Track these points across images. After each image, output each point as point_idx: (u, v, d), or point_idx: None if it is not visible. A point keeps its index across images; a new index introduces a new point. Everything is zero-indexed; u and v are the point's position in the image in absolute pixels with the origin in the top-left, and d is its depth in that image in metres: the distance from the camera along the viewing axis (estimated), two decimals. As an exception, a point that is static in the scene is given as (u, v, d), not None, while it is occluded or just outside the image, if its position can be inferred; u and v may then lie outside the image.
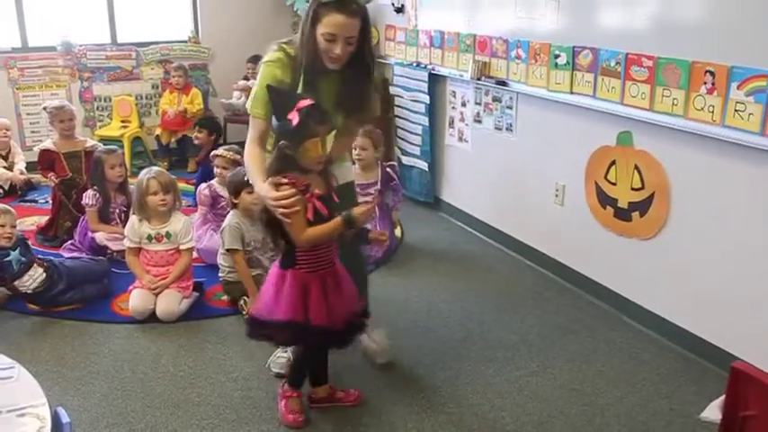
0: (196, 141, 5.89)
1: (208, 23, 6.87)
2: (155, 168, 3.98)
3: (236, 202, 3.78)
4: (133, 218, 3.85)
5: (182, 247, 3.85)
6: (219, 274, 3.87)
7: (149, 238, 3.82)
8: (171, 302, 3.68)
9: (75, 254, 4.29)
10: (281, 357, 3.16)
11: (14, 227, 3.69)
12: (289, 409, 2.83)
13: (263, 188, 2.55)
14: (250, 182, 2.80)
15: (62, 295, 3.73)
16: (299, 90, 2.68)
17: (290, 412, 2.82)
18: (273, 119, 2.59)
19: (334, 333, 2.67)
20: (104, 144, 5.12)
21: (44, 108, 5.02)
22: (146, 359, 3.30)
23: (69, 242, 4.50)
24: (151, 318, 3.64)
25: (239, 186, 3.69)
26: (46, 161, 4.80)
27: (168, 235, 3.82)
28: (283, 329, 2.64)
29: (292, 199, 2.46)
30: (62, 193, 4.72)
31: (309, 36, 2.62)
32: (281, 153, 2.55)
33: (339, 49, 2.60)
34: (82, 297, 3.78)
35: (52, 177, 4.73)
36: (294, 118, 2.47)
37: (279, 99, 2.56)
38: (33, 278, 3.66)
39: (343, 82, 2.76)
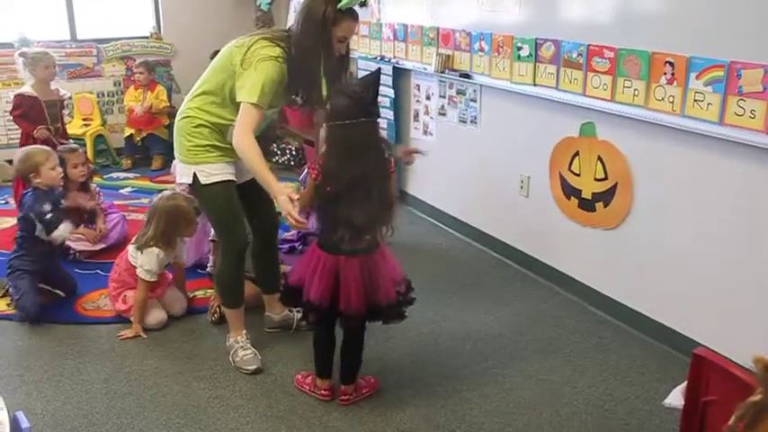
0: None
1: (170, 19, 6.78)
2: (180, 194, 3.63)
3: None
4: (156, 250, 3.47)
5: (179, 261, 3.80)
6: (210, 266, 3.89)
7: (167, 265, 3.65)
8: (180, 299, 3.68)
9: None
10: (246, 355, 3.16)
11: None
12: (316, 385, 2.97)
13: (283, 199, 2.66)
14: (257, 177, 2.83)
15: None
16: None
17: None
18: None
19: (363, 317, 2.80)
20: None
21: (21, 54, 4.87)
22: (111, 359, 3.26)
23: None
24: (114, 319, 3.60)
25: None
26: (27, 107, 4.65)
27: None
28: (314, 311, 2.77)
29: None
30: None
31: (327, 36, 2.81)
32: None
33: (345, 48, 2.90)
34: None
35: (42, 131, 4.61)
36: None
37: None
38: None
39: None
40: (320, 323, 2.87)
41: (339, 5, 2.75)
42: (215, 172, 3.01)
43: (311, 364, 2.99)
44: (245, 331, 3.24)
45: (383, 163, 2.67)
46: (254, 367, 3.13)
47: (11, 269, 3.67)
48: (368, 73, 2.75)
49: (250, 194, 3.14)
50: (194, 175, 3.02)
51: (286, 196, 2.64)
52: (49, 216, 3.53)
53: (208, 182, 3.01)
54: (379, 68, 2.77)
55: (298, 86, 2.85)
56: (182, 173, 3.10)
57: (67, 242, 4.21)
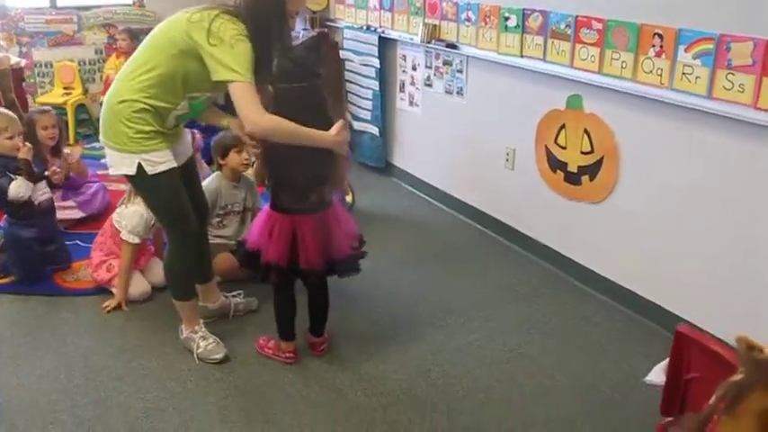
0: None
1: (152, -14, 6.66)
2: None
3: (222, 163, 3.64)
4: (140, 210, 3.39)
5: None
6: None
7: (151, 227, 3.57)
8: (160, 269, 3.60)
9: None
10: (209, 344, 3.03)
11: None
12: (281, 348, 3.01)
13: (332, 135, 2.64)
14: (307, 142, 2.62)
15: None
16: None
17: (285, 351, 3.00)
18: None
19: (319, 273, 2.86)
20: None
21: None
22: (89, 332, 3.22)
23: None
24: (94, 290, 3.55)
25: (228, 147, 3.59)
26: None
27: None
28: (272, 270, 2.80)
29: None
30: None
31: (282, 10, 2.66)
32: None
33: (295, 23, 2.82)
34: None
35: None
36: None
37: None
38: None
39: None
40: (281, 282, 2.90)
41: None
42: (161, 160, 2.75)
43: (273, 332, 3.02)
44: (201, 320, 3.10)
45: (329, 124, 2.67)
46: (221, 355, 2.99)
47: (5, 238, 3.64)
48: (309, 36, 2.81)
49: (182, 179, 2.92)
50: (139, 165, 2.72)
51: (336, 131, 2.64)
52: None
53: (155, 171, 2.74)
54: (322, 32, 2.88)
55: (255, 64, 2.62)
56: (119, 163, 2.77)
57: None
